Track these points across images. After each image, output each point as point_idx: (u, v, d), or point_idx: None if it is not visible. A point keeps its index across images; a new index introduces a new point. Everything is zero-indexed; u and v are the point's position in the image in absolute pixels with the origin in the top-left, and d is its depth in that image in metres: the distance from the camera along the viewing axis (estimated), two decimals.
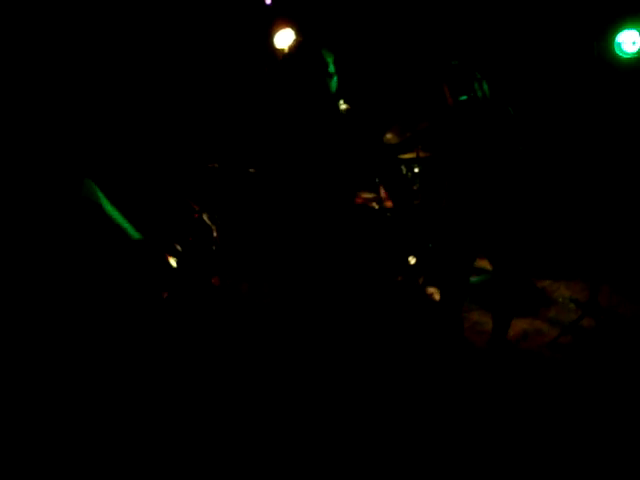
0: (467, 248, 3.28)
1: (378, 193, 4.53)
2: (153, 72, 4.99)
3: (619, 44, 3.90)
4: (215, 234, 4.30)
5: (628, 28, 3.81)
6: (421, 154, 4.41)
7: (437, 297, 4.16)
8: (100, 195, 3.42)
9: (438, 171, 3.38)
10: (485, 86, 3.21)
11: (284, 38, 4.67)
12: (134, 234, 3.42)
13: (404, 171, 4.40)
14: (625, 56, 3.90)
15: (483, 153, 3.17)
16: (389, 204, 4.35)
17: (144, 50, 4.92)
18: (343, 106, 4.37)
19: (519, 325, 3.85)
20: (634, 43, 3.80)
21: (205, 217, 4.33)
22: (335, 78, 2.97)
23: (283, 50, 4.68)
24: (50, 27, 4.23)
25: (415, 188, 4.35)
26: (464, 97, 3.17)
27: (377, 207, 4.37)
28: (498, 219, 3.21)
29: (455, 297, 3.38)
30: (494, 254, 3.33)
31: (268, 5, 5.09)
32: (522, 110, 5.05)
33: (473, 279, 4.54)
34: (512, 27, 5.16)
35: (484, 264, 4.00)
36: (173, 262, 3.97)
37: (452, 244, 3.31)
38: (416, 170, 4.39)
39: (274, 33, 4.70)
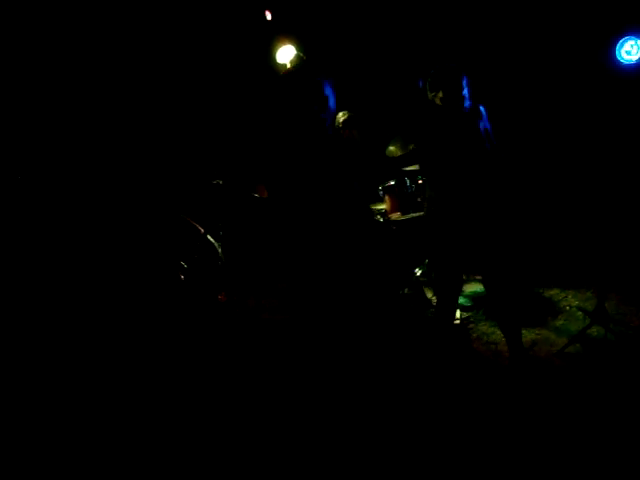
0: (454, 257, 3.27)
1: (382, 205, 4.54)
2: (155, 91, 5.05)
3: (620, 51, 3.92)
4: (220, 250, 4.31)
5: (629, 36, 3.83)
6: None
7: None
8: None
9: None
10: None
11: (285, 53, 4.70)
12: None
13: (408, 183, 4.40)
14: (626, 63, 3.91)
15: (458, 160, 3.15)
16: (394, 216, 4.35)
17: (149, 69, 4.99)
18: (344, 116, 4.41)
19: (527, 334, 3.83)
20: (631, 52, 3.81)
21: (210, 234, 4.35)
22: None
23: (285, 65, 4.70)
24: (70, 56, 4.33)
25: (419, 200, 4.35)
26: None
27: (382, 220, 4.37)
28: (486, 229, 3.20)
29: (447, 306, 3.38)
30: (483, 266, 3.31)
31: (269, 21, 5.13)
32: (527, 117, 5.09)
33: (478, 290, 4.55)
34: (514, 34, 5.18)
35: None
36: (181, 278, 4.00)
37: (440, 254, 3.31)
38: (420, 182, 4.39)
39: (275, 48, 4.73)
